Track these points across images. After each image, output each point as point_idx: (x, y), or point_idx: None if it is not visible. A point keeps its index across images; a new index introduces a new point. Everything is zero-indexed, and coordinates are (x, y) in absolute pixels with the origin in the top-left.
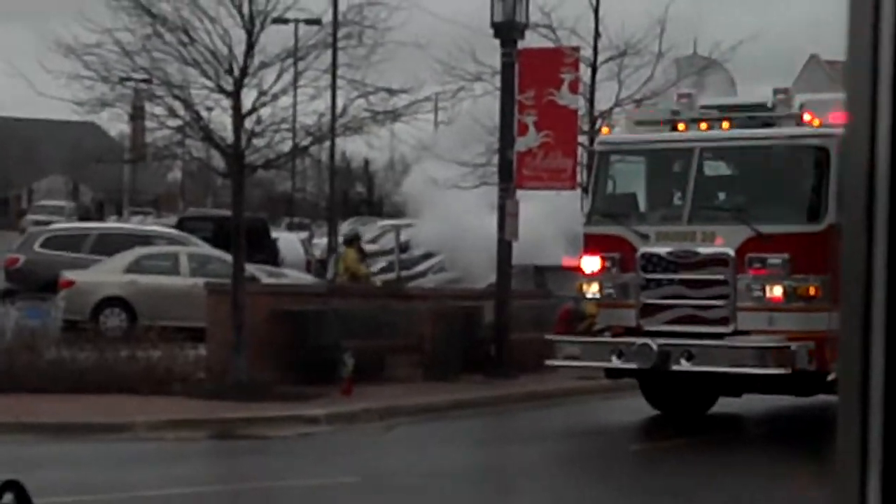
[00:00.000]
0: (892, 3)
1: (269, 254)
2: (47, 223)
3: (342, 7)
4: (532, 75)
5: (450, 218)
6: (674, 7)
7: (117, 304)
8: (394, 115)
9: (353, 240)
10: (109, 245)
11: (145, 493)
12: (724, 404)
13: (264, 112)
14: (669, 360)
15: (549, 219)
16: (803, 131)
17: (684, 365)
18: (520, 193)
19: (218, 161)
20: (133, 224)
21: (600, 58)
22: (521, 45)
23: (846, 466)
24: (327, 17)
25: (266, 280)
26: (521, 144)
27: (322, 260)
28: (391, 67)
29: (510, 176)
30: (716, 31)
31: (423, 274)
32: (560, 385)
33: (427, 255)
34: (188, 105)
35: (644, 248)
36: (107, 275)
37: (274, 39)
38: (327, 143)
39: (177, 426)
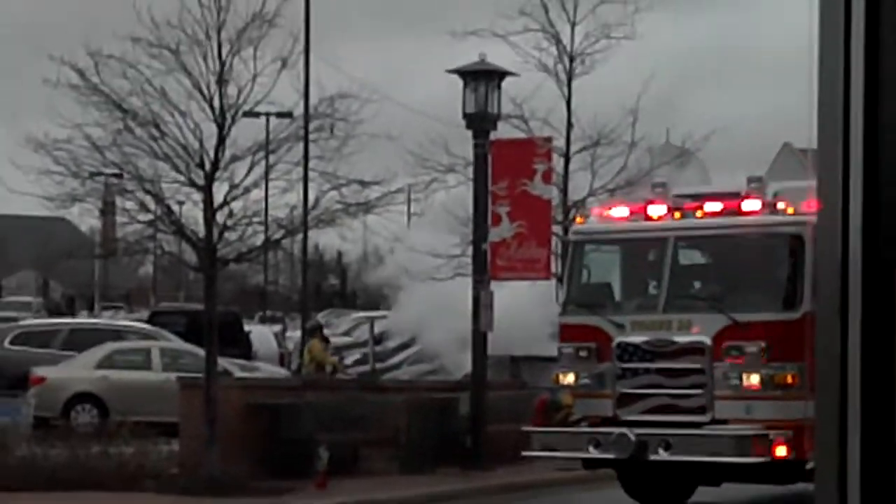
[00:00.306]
0: (860, 94)
1: (242, 347)
2: (14, 319)
3: (313, 100)
4: (505, 166)
5: (426, 307)
6: (645, 97)
7: (89, 400)
8: (366, 207)
9: (316, 329)
10: (80, 340)
11: None
12: (703, 494)
13: (236, 205)
14: (647, 449)
15: (525, 309)
16: (777, 219)
17: (662, 455)
18: (494, 284)
19: (190, 255)
20: (104, 319)
21: (573, 147)
22: (493, 135)
23: None
24: (298, 110)
25: (239, 374)
26: (494, 235)
27: (291, 353)
28: (363, 159)
29: (484, 267)
30: (688, 121)
31: (398, 366)
32: (537, 476)
33: (402, 347)
34: (159, 199)
35: (620, 338)
36: (78, 370)
37: (245, 133)
38: (300, 236)
39: None
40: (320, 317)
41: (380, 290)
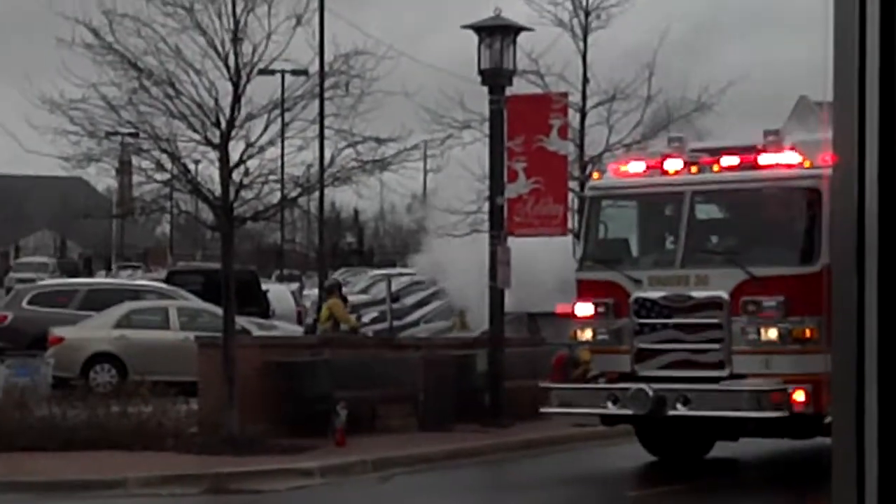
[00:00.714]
0: (876, 44)
1: (260, 306)
2: (32, 280)
3: (328, 57)
4: (521, 122)
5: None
6: (662, 51)
7: (107, 360)
8: (382, 165)
9: (335, 288)
10: (98, 300)
11: None
12: (721, 448)
13: (252, 164)
14: (665, 405)
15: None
16: (794, 173)
17: (680, 410)
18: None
19: (206, 214)
20: (122, 279)
21: (589, 103)
22: (509, 91)
23: None
24: (314, 68)
25: (257, 332)
26: (511, 191)
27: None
28: (379, 116)
29: (501, 223)
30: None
31: (415, 323)
32: (555, 432)
33: (419, 304)
34: (175, 158)
35: (637, 294)
36: (96, 330)
37: (260, 91)
38: (316, 194)
39: (169, 482)
40: (337, 275)
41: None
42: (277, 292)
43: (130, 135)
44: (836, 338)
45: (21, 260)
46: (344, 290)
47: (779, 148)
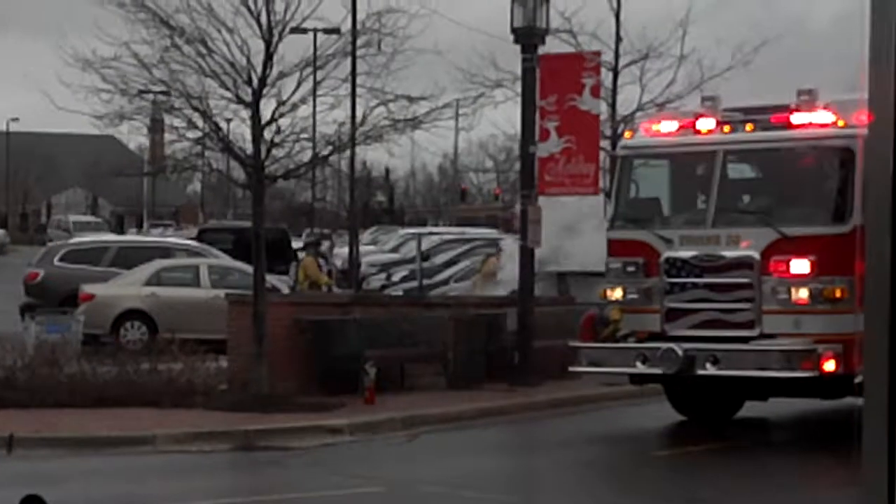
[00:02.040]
0: None
1: (290, 264)
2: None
3: (360, 15)
4: (553, 81)
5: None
6: (696, 9)
7: (138, 317)
8: (414, 123)
9: (311, 245)
10: (129, 258)
11: None
12: (751, 408)
13: (284, 122)
14: (695, 364)
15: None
16: (827, 132)
17: (710, 369)
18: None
19: (237, 172)
20: (153, 236)
21: (622, 62)
22: (541, 50)
23: (873, 468)
24: (346, 26)
25: (287, 290)
26: (542, 150)
27: (344, 270)
28: (411, 75)
29: (532, 182)
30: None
31: (445, 282)
32: (585, 391)
33: (449, 263)
34: (207, 116)
35: (668, 253)
36: (127, 288)
37: (292, 49)
38: (347, 152)
39: (198, 439)
40: (368, 233)
41: None
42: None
43: (162, 93)
44: (868, 298)
45: (76, 218)
46: (372, 247)
47: (812, 107)
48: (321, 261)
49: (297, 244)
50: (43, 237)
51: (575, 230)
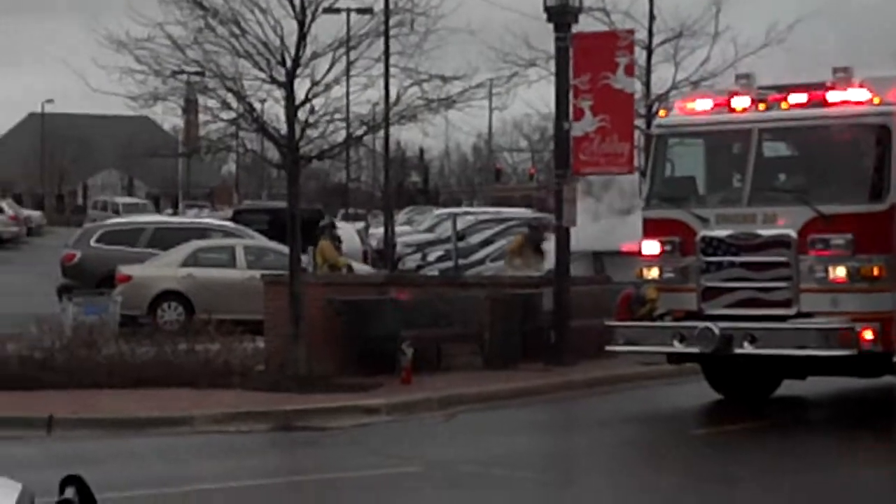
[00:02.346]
0: None
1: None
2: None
3: None
4: (587, 59)
5: None
6: None
7: (174, 298)
8: (448, 103)
9: (326, 229)
10: (165, 239)
11: (206, 487)
12: (788, 387)
13: (317, 102)
14: (732, 343)
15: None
16: (864, 109)
17: (747, 348)
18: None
19: (272, 153)
20: (188, 217)
21: (655, 40)
22: (574, 29)
23: None
24: (379, 5)
25: None
26: (577, 129)
27: (379, 250)
28: (444, 54)
29: (567, 161)
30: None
31: (480, 262)
32: (621, 371)
33: (485, 243)
34: (241, 97)
35: (704, 232)
36: (163, 269)
37: (325, 29)
38: (381, 132)
39: (236, 419)
40: (403, 213)
41: None
42: (343, 231)
43: (196, 74)
44: None
45: (124, 200)
46: (406, 227)
47: (848, 84)
48: (336, 243)
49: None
50: (80, 218)
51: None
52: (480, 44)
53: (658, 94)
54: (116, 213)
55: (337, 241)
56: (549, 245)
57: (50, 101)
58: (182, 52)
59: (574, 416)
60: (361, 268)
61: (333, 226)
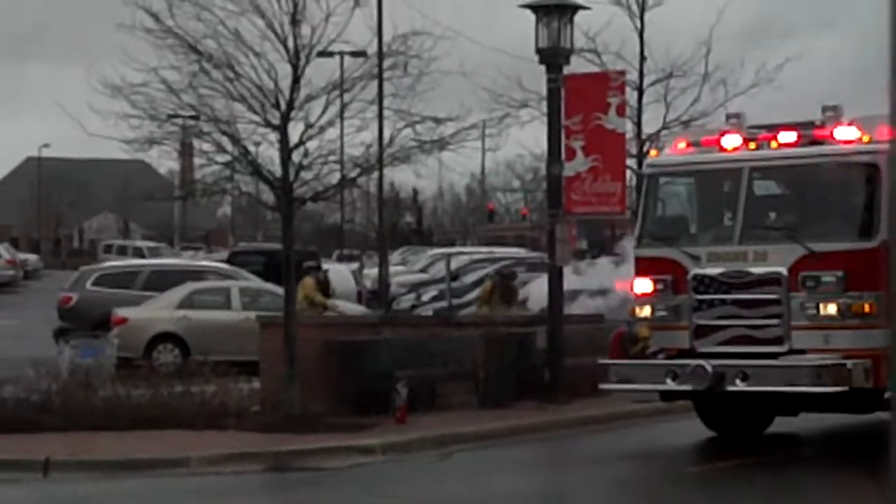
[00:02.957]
0: None
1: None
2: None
3: (386, 38)
4: (578, 100)
5: None
6: (718, 28)
7: (170, 340)
8: (441, 144)
9: (311, 269)
10: (161, 281)
11: None
12: (781, 424)
13: (311, 145)
14: (724, 380)
15: None
16: (853, 148)
17: (739, 385)
18: None
19: (267, 195)
20: (184, 260)
21: (646, 80)
22: (566, 70)
23: None
24: (372, 49)
25: None
26: (569, 169)
27: (373, 291)
28: (437, 96)
29: (559, 201)
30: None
31: (474, 301)
32: (615, 409)
33: (478, 283)
34: (236, 140)
35: (696, 270)
36: (159, 311)
37: (319, 72)
38: (375, 174)
39: (232, 460)
40: (397, 254)
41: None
42: (338, 272)
43: (191, 117)
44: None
45: (148, 244)
46: (324, 272)
47: (837, 123)
48: (320, 284)
49: (326, 265)
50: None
51: None
52: (473, 85)
53: (649, 134)
54: (141, 255)
55: (321, 282)
56: (524, 290)
57: (46, 145)
58: (177, 96)
59: (568, 454)
60: (356, 308)
61: (319, 268)
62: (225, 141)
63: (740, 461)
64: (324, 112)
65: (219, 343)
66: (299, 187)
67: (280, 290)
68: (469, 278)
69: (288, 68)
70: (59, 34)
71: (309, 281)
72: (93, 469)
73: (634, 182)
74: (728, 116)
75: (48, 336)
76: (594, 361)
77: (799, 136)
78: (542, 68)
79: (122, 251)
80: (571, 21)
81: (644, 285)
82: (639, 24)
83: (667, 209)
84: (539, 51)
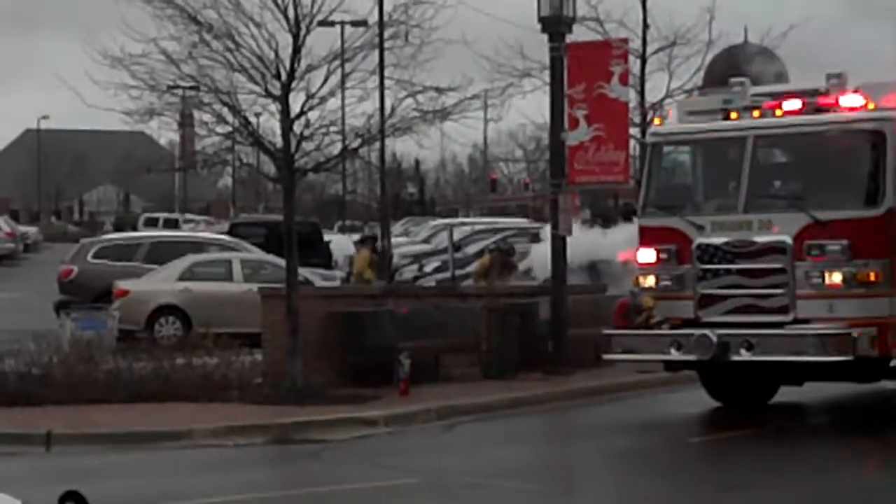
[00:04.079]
0: None
1: (322, 257)
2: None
3: (388, 7)
4: (581, 69)
5: None
6: None
7: (172, 313)
8: (443, 114)
9: (367, 240)
10: (162, 253)
11: (205, 501)
12: (786, 393)
13: (313, 115)
14: (729, 350)
15: None
16: (858, 115)
17: (744, 355)
18: None
19: (268, 166)
20: (185, 231)
21: (649, 49)
22: (569, 39)
23: None
24: (373, 18)
25: (320, 283)
26: (572, 139)
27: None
28: (439, 66)
29: (562, 171)
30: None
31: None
32: (619, 379)
33: (481, 253)
34: (236, 111)
35: (700, 239)
36: (161, 283)
37: (320, 42)
38: (377, 144)
39: (235, 432)
40: (399, 224)
41: None
42: (340, 243)
43: (191, 88)
44: None
45: (190, 216)
46: (380, 243)
47: (842, 91)
48: (374, 256)
49: (328, 237)
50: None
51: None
52: (475, 55)
53: (653, 103)
54: (176, 226)
55: (376, 254)
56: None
57: (45, 117)
58: (177, 66)
59: (572, 425)
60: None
61: (375, 239)
62: (225, 112)
63: (745, 431)
64: (325, 82)
65: (220, 315)
66: (300, 158)
67: (281, 262)
68: (471, 249)
69: (288, 38)
70: (58, 5)
71: (364, 253)
72: (95, 442)
73: (638, 151)
74: (732, 85)
75: (49, 309)
76: (598, 332)
77: (804, 104)
78: (545, 37)
79: (169, 223)
80: None
81: (648, 255)
82: None
83: (671, 178)
84: (541, 19)
